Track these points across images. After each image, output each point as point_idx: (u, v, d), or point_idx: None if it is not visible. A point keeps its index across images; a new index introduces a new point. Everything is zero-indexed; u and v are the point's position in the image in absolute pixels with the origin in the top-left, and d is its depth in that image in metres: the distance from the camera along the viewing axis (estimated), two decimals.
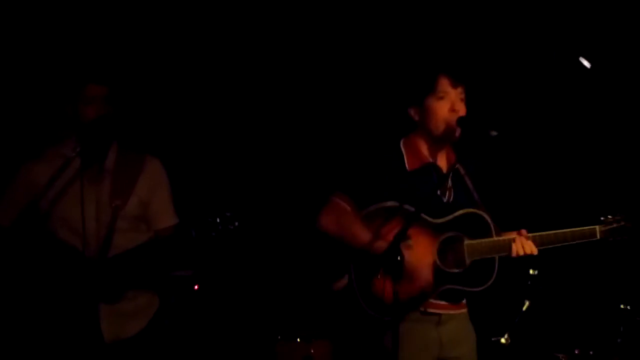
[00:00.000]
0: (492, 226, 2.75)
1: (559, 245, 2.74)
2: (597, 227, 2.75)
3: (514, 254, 2.71)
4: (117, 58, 3.97)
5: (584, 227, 2.74)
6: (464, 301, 2.84)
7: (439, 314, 2.73)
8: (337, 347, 3.88)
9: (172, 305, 3.89)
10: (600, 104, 4.26)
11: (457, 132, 2.72)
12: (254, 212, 4.08)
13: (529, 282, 3.60)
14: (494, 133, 2.59)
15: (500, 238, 2.74)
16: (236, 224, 2.80)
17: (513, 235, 2.75)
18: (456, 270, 2.70)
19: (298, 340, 3.87)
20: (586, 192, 4.10)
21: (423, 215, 2.69)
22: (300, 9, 4.32)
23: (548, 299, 3.75)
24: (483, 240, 2.72)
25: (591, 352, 3.60)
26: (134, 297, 2.98)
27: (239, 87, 4.49)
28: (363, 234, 2.65)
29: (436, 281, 2.68)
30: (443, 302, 2.74)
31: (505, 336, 3.60)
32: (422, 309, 2.70)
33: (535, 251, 2.73)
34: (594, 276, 4.05)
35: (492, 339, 3.60)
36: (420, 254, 2.67)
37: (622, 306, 3.48)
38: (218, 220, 2.79)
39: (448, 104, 2.72)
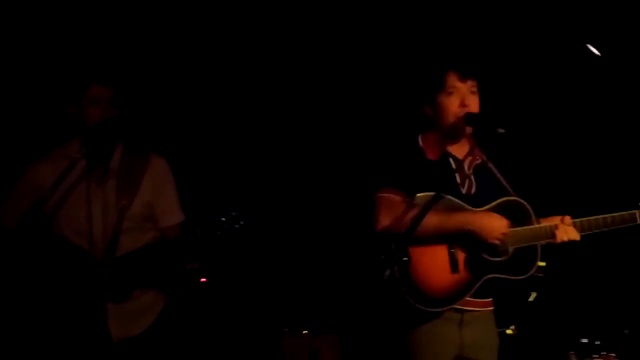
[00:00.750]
0: (532, 213, 2.72)
1: (600, 231, 2.73)
2: (636, 211, 2.74)
3: (558, 240, 2.69)
4: (122, 58, 3.96)
5: (624, 212, 2.73)
6: (491, 299, 2.79)
7: (462, 313, 2.68)
8: (344, 341, 3.91)
9: (179, 298, 3.91)
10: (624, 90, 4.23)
11: (468, 128, 2.71)
12: (260, 209, 4.11)
13: (537, 273, 3.60)
14: (501, 130, 2.57)
15: (543, 225, 2.71)
16: (242, 223, 2.80)
17: (556, 221, 2.72)
18: (499, 259, 2.66)
19: (305, 333, 3.89)
20: (621, 180, 4.06)
21: (461, 203, 2.67)
22: (317, 11, 4.29)
23: (555, 290, 3.75)
24: (526, 227, 2.69)
25: (597, 342, 3.61)
26: (140, 295, 2.99)
27: (246, 86, 4.48)
28: (427, 216, 2.51)
29: (480, 270, 2.64)
30: (470, 299, 2.67)
31: (512, 327, 3.61)
32: (452, 306, 2.64)
33: (578, 237, 2.71)
34: (600, 267, 4.05)
35: (499, 330, 3.61)
36: (491, 228, 2.62)
37: (628, 299, 3.47)
38: (223, 219, 2.79)
39: (458, 99, 2.71)
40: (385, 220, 2.65)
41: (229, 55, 4.41)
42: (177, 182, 3.13)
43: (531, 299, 3.64)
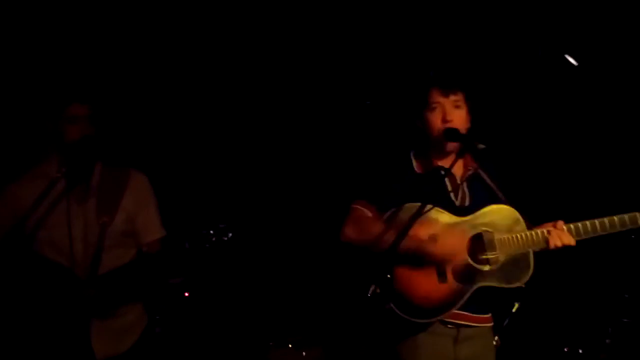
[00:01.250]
0: (522, 220, 2.68)
1: (597, 235, 2.67)
2: (637, 213, 2.67)
3: (551, 246, 2.64)
4: (99, 76, 3.94)
5: (624, 215, 2.67)
6: (490, 315, 2.74)
7: (457, 329, 2.64)
8: (329, 353, 3.90)
9: (162, 313, 3.89)
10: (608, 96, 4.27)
11: (448, 143, 2.71)
12: (247, 221, 4.10)
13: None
14: (482, 146, 2.58)
15: (534, 231, 2.67)
16: (230, 235, 2.80)
17: (548, 227, 2.67)
18: (489, 268, 2.62)
19: (290, 346, 3.88)
20: (620, 184, 4.07)
21: (448, 214, 2.64)
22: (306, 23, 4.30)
23: (537, 300, 3.78)
24: (516, 234, 2.65)
25: (580, 351, 3.64)
26: (124, 313, 2.98)
27: (233, 95, 4.48)
28: (389, 235, 2.54)
29: (470, 279, 2.60)
30: (465, 312, 2.64)
31: (496, 338, 3.62)
32: (442, 317, 2.60)
33: (572, 242, 2.66)
34: (583, 278, 4.08)
35: None
36: (450, 252, 2.59)
37: (611, 307, 3.50)
38: (212, 232, 2.78)
39: (440, 115, 2.72)
40: (349, 232, 2.68)
41: (209, 69, 4.41)
42: (164, 195, 3.13)
43: (514, 309, 3.66)
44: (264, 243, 4.44)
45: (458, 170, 2.77)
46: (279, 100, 4.51)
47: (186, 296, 4.25)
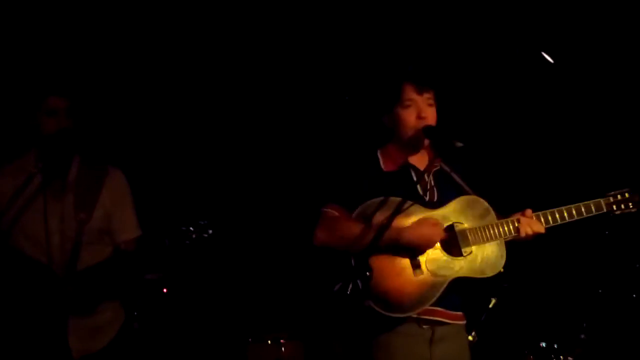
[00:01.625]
0: (492, 210, 2.70)
1: (566, 222, 2.71)
2: (601, 200, 2.74)
3: (522, 234, 2.66)
4: (78, 69, 3.90)
5: (589, 201, 2.72)
6: (462, 313, 2.73)
7: (432, 328, 2.63)
8: (308, 348, 3.91)
9: (140, 309, 3.87)
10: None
11: (426, 141, 2.73)
12: (226, 217, 4.08)
13: (495, 280, 3.67)
14: (460, 144, 2.60)
15: (504, 220, 2.69)
16: (210, 232, 2.78)
17: (517, 216, 2.70)
18: (462, 259, 2.63)
19: (269, 342, 3.89)
20: (585, 175, 4.11)
21: (419, 207, 2.65)
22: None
23: (513, 296, 3.82)
24: (486, 224, 2.67)
25: (555, 346, 3.70)
26: (102, 310, 2.96)
27: (211, 92, 4.46)
28: (361, 231, 2.54)
29: (444, 272, 2.60)
30: (440, 309, 2.64)
31: (473, 334, 3.66)
32: (417, 314, 2.60)
33: (542, 230, 2.69)
34: (558, 272, 4.13)
35: None
36: (426, 242, 2.60)
37: (585, 302, 3.55)
38: (192, 228, 2.77)
39: (415, 112, 2.72)
40: (322, 236, 2.67)
41: (188, 62, 4.38)
42: (144, 191, 3.10)
43: (491, 305, 3.69)
44: (243, 239, 4.43)
45: (423, 166, 2.79)
46: (256, 95, 4.50)
47: (165, 292, 4.24)
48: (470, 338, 3.63)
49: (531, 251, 2.85)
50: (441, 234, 2.64)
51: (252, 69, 4.42)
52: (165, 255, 2.86)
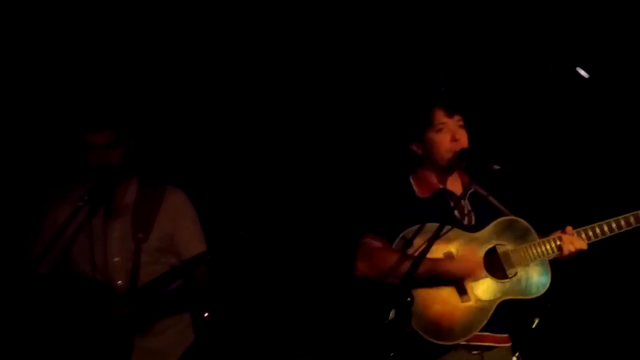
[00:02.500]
0: (532, 229, 2.70)
1: (607, 236, 2.70)
2: None
3: (565, 252, 2.67)
4: (118, 101, 3.99)
5: (629, 214, 2.71)
6: (508, 335, 2.73)
7: (481, 353, 2.63)
8: None
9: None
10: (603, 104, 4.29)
11: (456, 165, 2.73)
12: (265, 229, 4.11)
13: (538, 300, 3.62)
14: (497, 167, 2.59)
15: (546, 239, 2.69)
16: (248, 242, 2.81)
17: (558, 234, 2.70)
18: (507, 281, 2.63)
19: None
20: (619, 187, 4.08)
21: (459, 231, 2.64)
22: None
23: (557, 316, 3.76)
24: (528, 244, 2.66)
25: None
26: (165, 331, 2.99)
27: (253, 107, 4.50)
28: (402, 261, 2.55)
29: (491, 295, 2.61)
30: (487, 333, 2.64)
31: (517, 354, 3.60)
32: (466, 341, 2.59)
33: (585, 246, 2.69)
34: (604, 292, 4.06)
35: None
36: (469, 269, 2.60)
37: (632, 324, 3.48)
38: (231, 240, 2.80)
39: (448, 135, 2.74)
40: (362, 267, 2.67)
41: (230, 77, 4.44)
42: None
43: (534, 325, 3.64)
44: (280, 260, 4.45)
45: (458, 190, 2.78)
46: (294, 112, 4.53)
47: (205, 317, 4.26)
48: (514, 359, 3.58)
49: (574, 269, 2.83)
50: (480, 264, 2.62)
51: (291, 94, 4.46)
52: (211, 269, 2.89)
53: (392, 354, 2.62)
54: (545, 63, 4.32)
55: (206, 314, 4.28)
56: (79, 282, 2.95)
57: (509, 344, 2.75)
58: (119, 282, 2.93)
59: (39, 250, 2.92)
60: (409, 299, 2.32)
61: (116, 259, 2.95)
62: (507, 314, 2.70)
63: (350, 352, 3.93)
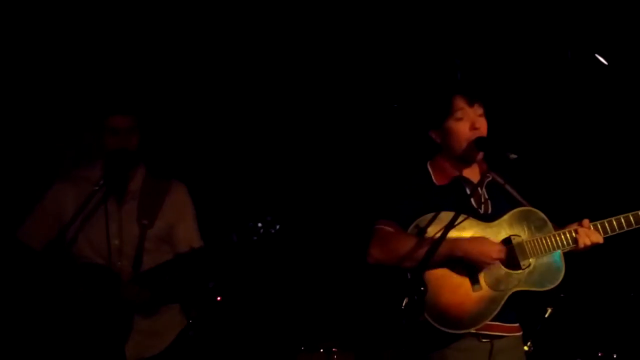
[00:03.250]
0: (549, 221, 2.67)
1: (624, 231, 2.66)
2: None
3: (581, 245, 2.63)
4: (143, 87, 4.00)
5: None
6: (518, 324, 2.71)
7: (491, 341, 2.60)
8: (360, 359, 3.91)
9: (196, 317, 3.93)
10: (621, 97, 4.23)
11: (475, 154, 2.70)
12: (289, 219, 4.12)
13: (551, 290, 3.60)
14: (514, 156, 2.56)
15: (562, 231, 2.66)
16: (277, 227, 2.82)
17: (574, 226, 2.66)
18: (521, 272, 2.60)
19: (321, 350, 3.90)
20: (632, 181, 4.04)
21: (475, 220, 2.62)
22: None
23: (570, 305, 3.75)
24: (544, 235, 2.63)
25: (615, 356, 3.61)
26: (160, 314, 3.02)
27: (271, 98, 4.50)
28: (416, 246, 2.52)
29: (503, 286, 2.58)
30: (498, 323, 2.60)
31: (529, 344, 3.60)
32: (475, 330, 2.56)
33: (601, 240, 2.65)
34: (617, 282, 4.04)
35: None
36: (484, 257, 2.56)
37: None
38: (260, 224, 2.81)
39: (468, 123, 2.69)
40: (376, 253, 2.63)
41: (254, 74, 4.44)
42: (211, 190, 3.16)
43: (547, 314, 3.63)
44: (297, 250, 4.46)
45: (476, 178, 2.75)
46: (311, 109, 4.53)
47: (219, 300, 4.29)
48: (526, 348, 3.57)
49: (588, 260, 2.80)
50: (501, 253, 2.60)
51: (308, 81, 4.46)
52: (234, 253, 2.91)
53: (404, 342, 2.63)
54: (563, 48, 4.26)
55: (219, 298, 4.32)
56: (80, 263, 2.98)
57: (519, 333, 2.72)
58: (119, 263, 2.95)
59: (35, 226, 2.98)
60: (422, 288, 2.30)
61: (117, 242, 2.96)
62: (519, 304, 2.67)
63: (365, 340, 3.95)
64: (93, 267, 2.96)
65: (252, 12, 4.21)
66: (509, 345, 2.66)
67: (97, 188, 2.89)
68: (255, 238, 2.80)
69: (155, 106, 3.44)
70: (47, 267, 2.98)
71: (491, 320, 2.59)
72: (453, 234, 2.53)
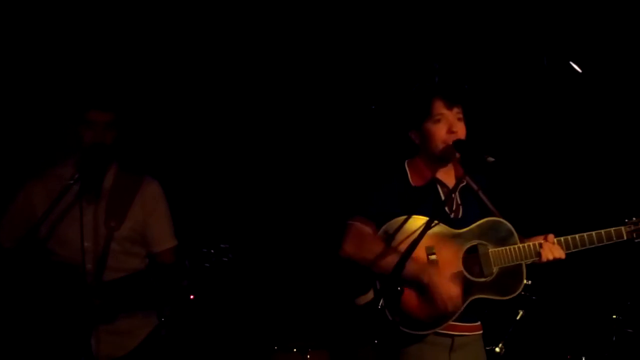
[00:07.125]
0: (515, 233, 2.73)
1: (586, 248, 2.74)
2: (622, 227, 2.76)
3: (543, 259, 2.71)
4: (122, 84, 3.96)
5: (611, 229, 2.76)
6: (479, 323, 2.79)
7: (452, 337, 2.68)
8: (334, 358, 3.92)
9: (168, 316, 3.90)
10: (600, 104, 4.30)
11: (457, 154, 2.73)
12: (249, 227, 4.10)
13: (523, 292, 3.65)
14: (491, 159, 2.59)
15: (527, 244, 2.72)
16: (230, 256, 2.80)
17: (539, 240, 2.74)
18: (483, 280, 2.67)
19: (295, 350, 3.90)
20: (606, 196, 4.10)
21: (444, 226, 2.68)
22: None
23: (541, 308, 3.80)
24: (509, 247, 2.70)
25: (583, 358, 3.67)
26: (130, 315, 3.00)
27: (237, 114, 4.49)
28: (387, 255, 2.58)
29: (465, 291, 2.65)
30: (458, 323, 2.68)
31: (500, 345, 3.65)
32: (439, 330, 2.64)
33: (563, 255, 2.73)
34: (587, 286, 4.10)
35: (487, 348, 3.65)
36: (446, 265, 2.64)
37: (614, 316, 3.54)
38: (212, 251, 2.79)
39: (445, 126, 2.73)
40: (348, 248, 2.68)
41: (220, 82, 4.43)
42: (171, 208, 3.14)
43: (518, 317, 3.68)
44: (269, 246, 4.45)
45: (451, 181, 2.80)
46: (281, 109, 4.52)
47: (192, 299, 4.26)
48: (497, 350, 3.64)
49: (560, 264, 2.85)
50: (459, 261, 2.66)
51: (277, 81, 4.46)
52: (186, 276, 2.90)
53: (375, 341, 2.67)
54: (540, 55, 4.32)
55: (192, 297, 4.29)
56: (50, 262, 2.95)
57: (479, 332, 2.80)
58: (88, 266, 2.92)
59: (5, 224, 2.96)
60: (399, 288, 2.33)
61: (90, 244, 2.94)
62: (481, 306, 2.74)
63: (339, 339, 3.96)
64: (60, 267, 2.93)
65: (230, 11, 4.20)
66: (468, 341, 2.75)
67: (71, 182, 2.85)
68: (207, 265, 2.78)
69: (136, 105, 3.40)
70: (16, 266, 2.95)
71: (453, 321, 2.67)
72: (423, 240, 2.56)
